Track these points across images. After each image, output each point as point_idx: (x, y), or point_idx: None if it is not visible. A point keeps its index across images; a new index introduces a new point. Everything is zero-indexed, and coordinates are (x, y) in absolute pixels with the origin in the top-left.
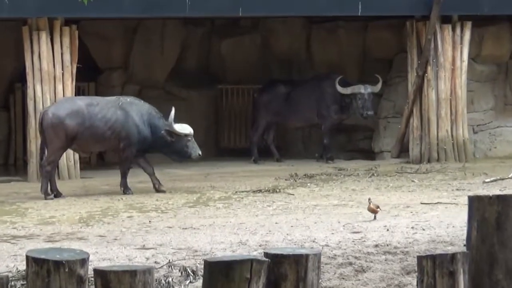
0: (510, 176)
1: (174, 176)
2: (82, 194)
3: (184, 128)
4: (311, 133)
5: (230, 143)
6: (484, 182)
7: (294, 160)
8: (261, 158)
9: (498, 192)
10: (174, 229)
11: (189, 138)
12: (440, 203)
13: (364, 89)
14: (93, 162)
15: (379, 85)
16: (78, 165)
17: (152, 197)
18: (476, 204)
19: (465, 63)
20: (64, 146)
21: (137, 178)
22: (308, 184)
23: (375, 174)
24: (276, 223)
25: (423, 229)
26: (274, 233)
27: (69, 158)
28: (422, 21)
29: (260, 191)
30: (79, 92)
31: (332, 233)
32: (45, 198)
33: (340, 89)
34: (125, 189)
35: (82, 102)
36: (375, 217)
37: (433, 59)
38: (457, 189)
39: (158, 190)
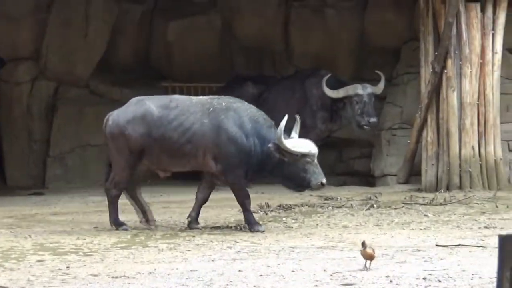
0: None
1: (101, 205)
2: None
3: (300, 145)
4: None
5: None
6: None
7: (265, 185)
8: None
9: None
10: (101, 277)
11: (309, 160)
12: (463, 245)
13: (362, 90)
14: None
15: (382, 85)
16: None
17: (71, 234)
18: (509, 246)
19: (499, 56)
20: (129, 163)
21: (49, 208)
22: (284, 218)
23: (375, 206)
24: (239, 271)
25: (439, 281)
26: (236, 285)
27: None
28: None
29: (218, 227)
30: None
31: (316, 286)
32: (117, 229)
33: (328, 91)
34: (251, 226)
35: (153, 104)
36: (369, 265)
37: (455, 50)
38: (486, 227)
39: (189, 225)
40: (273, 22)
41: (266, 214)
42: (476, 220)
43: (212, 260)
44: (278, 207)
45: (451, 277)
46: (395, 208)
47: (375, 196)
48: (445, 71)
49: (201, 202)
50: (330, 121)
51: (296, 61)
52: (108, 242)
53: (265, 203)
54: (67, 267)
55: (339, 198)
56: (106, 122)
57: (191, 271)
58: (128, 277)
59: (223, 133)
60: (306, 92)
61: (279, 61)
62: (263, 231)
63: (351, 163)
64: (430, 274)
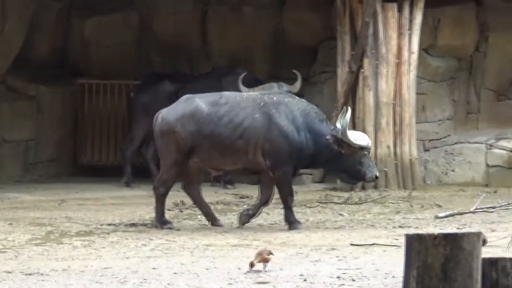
0: (472, 209)
1: (16, 202)
2: None
3: (360, 138)
4: None
5: (93, 158)
6: (436, 217)
7: (180, 183)
8: (136, 180)
9: (454, 231)
10: (15, 274)
11: (365, 152)
12: (377, 244)
13: (278, 88)
14: None
15: (298, 84)
16: None
17: None
18: (416, 245)
19: (415, 56)
20: (177, 161)
21: None
22: (199, 216)
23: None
24: (153, 268)
25: (353, 280)
26: (150, 282)
27: None
28: None
29: (133, 225)
30: None
31: (230, 284)
32: (162, 228)
33: (244, 89)
34: (292, 224)
35: (203, 101)
36: (256, 265)
37: (372, 50)
38: (400, 226)
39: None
40: (190, 19)
41: (181, 211)
42: (390, 220)
43: (127, 258)
44: (194, 205)
45: (365, 276)
46: (310, 207)
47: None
48: (362, 70)
49: (264, 202)
50: None
51: (213, 59)
52: (23, 239)
53: (181, 201)
54: None
55: (254, 196)
56: (156, 119)
57: (105, 268)
58: (42, 274)
59: (274, 127)
60: (222, 90)
61: (196, 59)
62: (302, 230)
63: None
64: (344, 273)
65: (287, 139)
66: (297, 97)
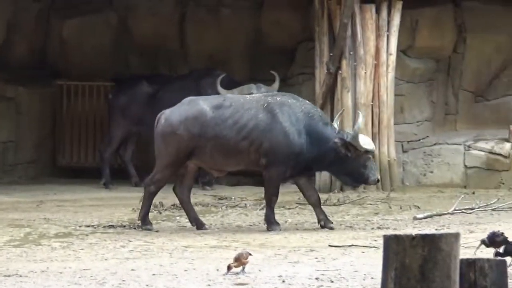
0: (450, 211)
1: None
2: None
3: (367, 142)
4: None
5: (72, 160)
6: (415, 218)
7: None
8: (115, 182)
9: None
10: None
11: (370, 156)
12: (356, 246)
13: (256, 90)
14: None
15: (276, 85)
16: None
17: None
18: (394, 246)
19: (393, 57)
20: (175, 162)
21: None
22: (178, 217)
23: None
24: (132, 270)
25: (332, 281)
26: (129, 284)
27: None
28: None
29: (111, 226)
30: None
31: (209, 285)
32: (142, 228)
33: (222, 91)
34: (270, 225)
35: (207, 104)
36: (234, 269)
37: (350, 51)
38: (379, 228)
39: (324, 226)
40: (169, 21)
41: (160, 213)
42: (369, 221)
43: (105, 259)
44: (172, 206)
45: (343, 277)
46: (288, 208)
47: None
48: (340, 72)
49: (316, 204)
50: None
51: (191, 61)
52: (1, 240)
53: (159, 202)
54: None
55: (233, 198)
56: (158, 120)
57: (84, 269)
58: (21, 276)
59: (276, 127)
60: (201, 91)
61: (174, 60)
62: (280, 231)
63: None
64: (322, 274)
65: (287, 140)
66: (301, 99)
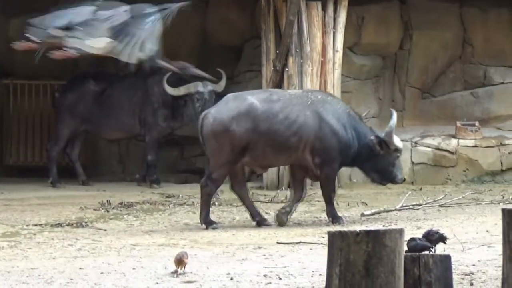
0: (398, 207)
1: None
2: None
3: (398, 141)
4: (130, 147)
5: (19, 159)
6: (362, 215)
7: (106, 183)
8: (62, 180)
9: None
10: None
11: (399, 154)
12: (303, 242)
13: (203, 88)
14: None
15: (223, 83)
16: None
17: None
18: (338, 242)
19: (340, 54)
20: (230, 160)
21: None
22: (125, 216)
23: (216, 203)
24: (80, 268)
25: (280, 278)
26: (77, 282)
27: None
28: None
29: (59, 225)
30: None
31: (157, 283)
32: (207, 228)
33: (169, 89)
34: (335, 219)
35: (255, 98)
36: (179, 271)
37: (296, 48)
38: (327, 225)
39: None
40: None
41: (108, 211)
42: (317, 218)
43: (53, 258)
44: (120, 205)
45: (291, 274)
46: (236, 206)
47: (217, 194)
48: (286, 69)
49: (298, 199)
50: (172, 119)
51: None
52: None
53: (107, 201)
54: None
55: (180, 195)
56: (203, 120)
57: (32, 269)
58: None
59: (325, 125)
60: (148, 89)
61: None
62: (344, 224)
63: (193, 160)
64: (271, 272)
65: (337, 137)
66: (334, 96)
